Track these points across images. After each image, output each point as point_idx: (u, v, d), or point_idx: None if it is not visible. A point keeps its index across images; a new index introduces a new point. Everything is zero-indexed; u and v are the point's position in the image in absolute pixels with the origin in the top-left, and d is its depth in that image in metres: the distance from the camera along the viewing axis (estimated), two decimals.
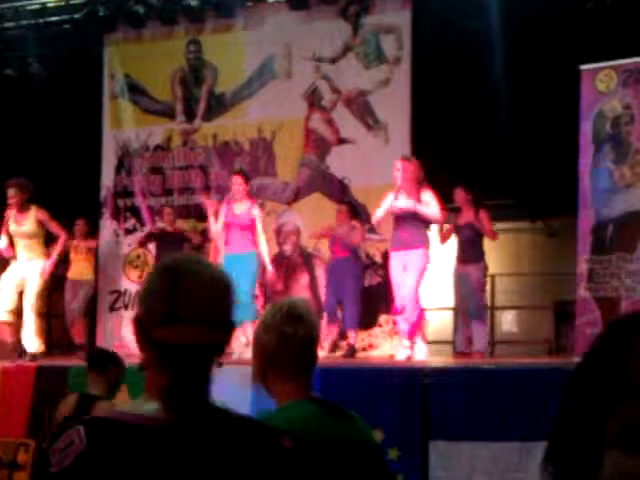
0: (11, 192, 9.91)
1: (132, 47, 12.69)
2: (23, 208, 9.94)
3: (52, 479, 1.78)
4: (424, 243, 9.03)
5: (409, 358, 9.00)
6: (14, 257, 10.07)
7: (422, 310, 9.13)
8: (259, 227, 10.02)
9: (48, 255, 10.11)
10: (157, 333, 1.85)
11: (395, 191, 9.06)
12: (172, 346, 1.84)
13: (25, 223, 9.92)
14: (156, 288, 1.89)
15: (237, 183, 10.10)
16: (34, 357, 9.74)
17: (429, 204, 8.95)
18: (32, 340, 9.83)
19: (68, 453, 1.77)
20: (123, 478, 1.76)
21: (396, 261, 9.07)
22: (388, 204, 9.05)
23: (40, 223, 9.99)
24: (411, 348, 9.09)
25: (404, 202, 8.96)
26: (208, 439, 1.84)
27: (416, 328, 9.04)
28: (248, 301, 9.51)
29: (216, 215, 10.19)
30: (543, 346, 12.32)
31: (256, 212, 10.10)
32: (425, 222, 9.15)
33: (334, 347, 10.12)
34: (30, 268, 9.90)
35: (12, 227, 9.96)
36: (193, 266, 1.91)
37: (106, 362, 5.87)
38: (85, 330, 11.67)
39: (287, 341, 2.72)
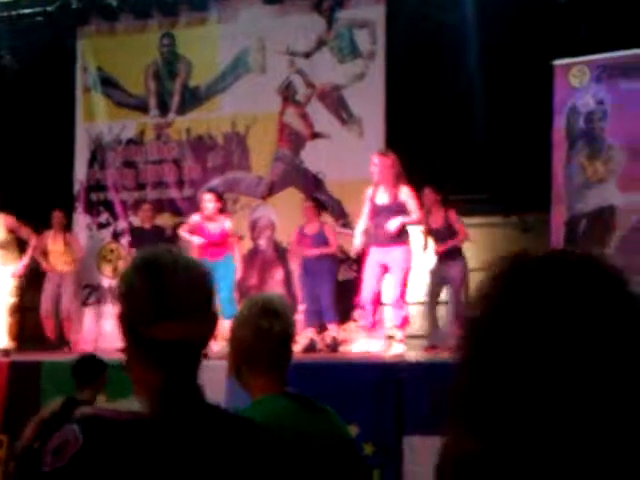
0: None
1: (105, 40, 12.60)
2: None
3: (46, 479, 1.74)
4: (405, 240, 8.96)
5: (385, 350, 8.94)
6: None
7: (407, 311, 9.07)
8: (233, 241, 10.06)
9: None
10: (146, 331, 1.82)
11: (373, 187, 8.97)
12: (163, 343, 1.81)
13: None
14: (139, 285, 1.85)
15: (208, 200, 10.06)
16: (6, 353, 9.66)
17: (407, 203, 8.84)
18: (3, 336, 9.75)
19: (64, 452, 1.72)
20: (119, 476, 1.73)
21: (375, 257, 8.91)
22: (368, 203, 8.96)
23: (10, 231, 9.87)
24: (388, 341, 9.04)
25: (384, 198, 8.87)
26: (202, 436, 1.81)
27: (399, 328, 8.99)
28: (228, 301, 9.48)
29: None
30: None
31: (228, 225, 10.09)
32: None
33: (311, 346, 10.05)
34: (3, 273, 9.82)
35: None
36: (173, 259, 1.87)
37: (92, 371, 5.83)
38: (74, 325, 11.50)
39: (262, 336, 2.71)
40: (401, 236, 8.86)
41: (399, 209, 8.82)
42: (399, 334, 9.00)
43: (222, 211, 10.27)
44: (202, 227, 10.02)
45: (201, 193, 10.91)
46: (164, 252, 1.91)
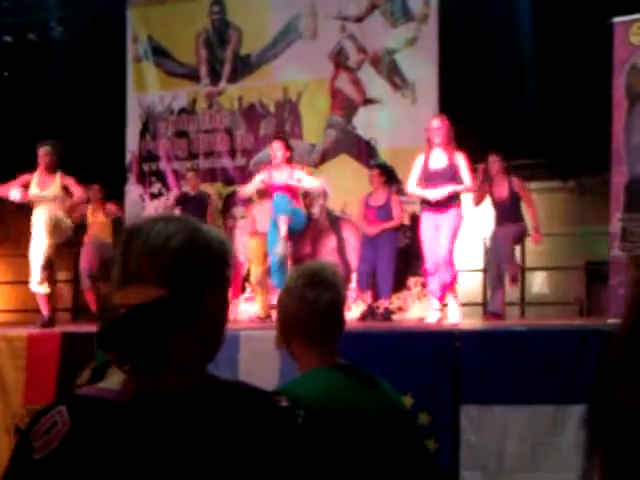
0: (44, 150, 9.65)
1: (155, 9, 12.54)
2: (50, 171, 9.71)
3: (37, 465, 1.64)
4: (456, 203, 8.87)
5: (440, 320, 8.87)
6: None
7: (455, 271, 8.98)
8: (307, 183, 9.94)
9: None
10: (113, 297, 1.77)
11: (426, 151, 8.89)
12: (127, 309, 1.74)
13: (49, 187, 9.67)
14: (115, 251, 1.83)
15: (277, 149, 9.89)
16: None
17: (460, 168, 8.76)
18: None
19: (52, 436, 1.65)
20: (108, 457, 1.64)
21: (427, 221, 8.90)
22: (419, 169, 8.89)
23: (64, 189, 9.76)
24: (442, 310, 8.96)
25: (438, 163, 8.80)
26: (188, 405, 1.73)
27: (448, 289, 8.89)
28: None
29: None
30: (574, 307, 12.19)
31: (299, 175, 9.91)
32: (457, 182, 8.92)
33: (369, 314, 9.93)
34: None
35: (34, 191, 9.71)
36: (150, 225, 1.80)
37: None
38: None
39: (308, 306, 2.61)
40: (452, 200, 8.77)
41: (453, 174, 8.75)
42: (449, 297, 8.91)
43: (289, 161, 10.07)
44: (269, 177, 9.90)
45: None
46: (151, 219, 1.84)
